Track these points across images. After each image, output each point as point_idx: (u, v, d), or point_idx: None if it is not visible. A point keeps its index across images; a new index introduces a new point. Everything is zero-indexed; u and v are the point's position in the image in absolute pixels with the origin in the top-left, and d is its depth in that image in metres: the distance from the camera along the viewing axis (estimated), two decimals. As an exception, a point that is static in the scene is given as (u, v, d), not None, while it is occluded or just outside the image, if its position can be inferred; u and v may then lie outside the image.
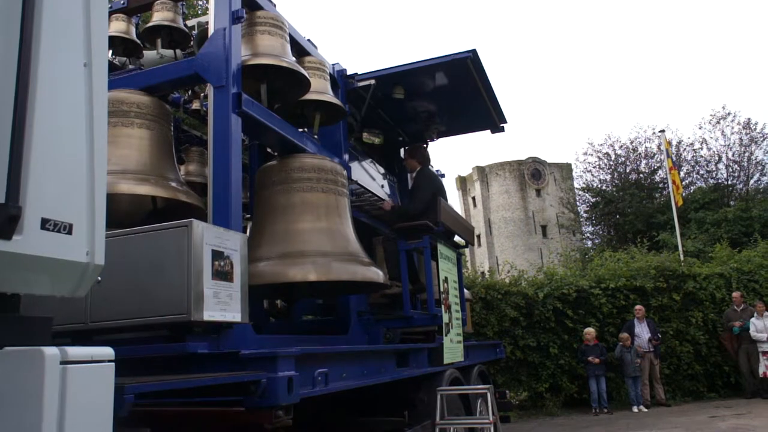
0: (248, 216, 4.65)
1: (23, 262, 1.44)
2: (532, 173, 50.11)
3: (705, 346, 10.57)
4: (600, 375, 9.83)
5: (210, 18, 3.71)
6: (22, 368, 1.40)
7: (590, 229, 27.42)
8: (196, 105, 5.16)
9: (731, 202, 22.40)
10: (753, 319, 9.86)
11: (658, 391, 10.08)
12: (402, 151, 6.97)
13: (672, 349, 10.52)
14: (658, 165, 24.17)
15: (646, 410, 9.64)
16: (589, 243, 26.91)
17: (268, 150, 4.90)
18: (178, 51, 4.67)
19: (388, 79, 5.42)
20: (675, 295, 10.68)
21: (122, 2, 4.50)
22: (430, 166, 5.96)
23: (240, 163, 3.53)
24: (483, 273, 13.77)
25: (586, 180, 26.93)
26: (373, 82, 5.25)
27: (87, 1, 1.66)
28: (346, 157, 4.94)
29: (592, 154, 26.57)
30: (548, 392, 10.42)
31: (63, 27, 1.60)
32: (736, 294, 10.39)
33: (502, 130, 6.89)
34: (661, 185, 23.85)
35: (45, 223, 1.47)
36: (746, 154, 24.31)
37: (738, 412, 8.70)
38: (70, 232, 1.54)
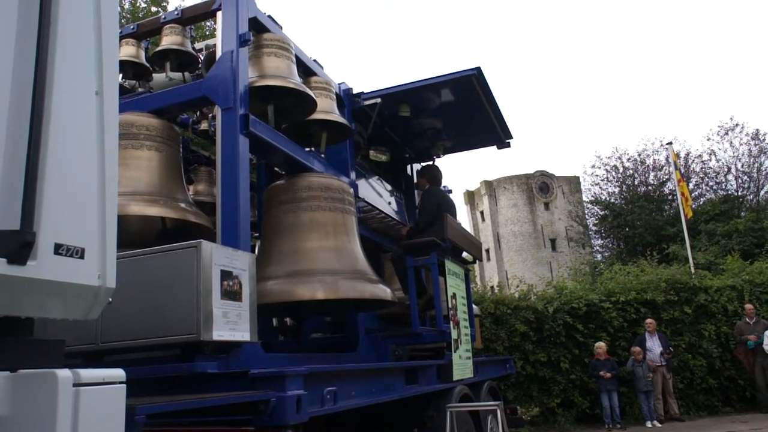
0: (256, 235, 4.69)
1: (37, 287, 1.48)
2: (540, 187, 49.97)
3: (718, 360, 10.45)
4: (612, 390, 9.73)
5: (217, 41, 3.79)
6: (35, 391, 1.43)
7: (599, 242, 27.31)
8: (204, 126, 5.24)
9: (742, 214, 22.23)
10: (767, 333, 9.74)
11: (671, 405, 9.95)
12: (409, 168, 7.03)
13: (685, 363, 10.40)
14: (666, 177, 24.11)
15: (660, 425, 9.52)
16: (599, 256, 26.77)
17: (276, 169, 4.95)
18: (186, 74, 4.75)
19: (394, 97, 5.48)
20: (686, 308, 10.58)
21: (132, 27, 4.59)
22: (442, 186, 6.05)
23: (248, 183, 3.57)
24: (492, 288, 13.72)
25: (595, 193, 26.91)
26: (378, 100, 5.30)
27: (99, 33, 1.72)
28: (353, 175, 4.98)
29: (600, 167, 26.59)
30: (560, 408, 10.31)
31: (76, 57, 1.65)
32: (748, 306, 10.26)
33: (508, 145, 6.93)
34: (670, 197, 23.75)
35: (58, 248, 1.51)
36: (756, 165, 24.22)
37: (754, 427, 8.57)
38: (82, 257, 1.57)
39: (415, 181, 6.94)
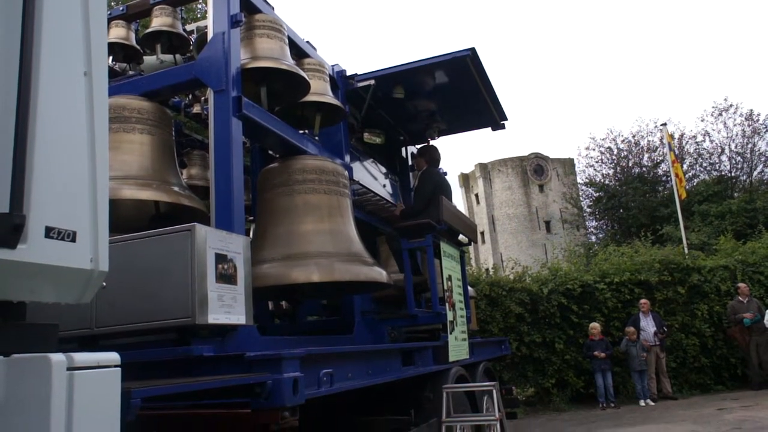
0: (251, 218, 4.67)
1: (28, 271, 1.46)
2: (534, 169, 49.97)
3: (711, 339, 10.56)
4: (606, 369, 9.83)
5: (209, 22, 3.72)
6: (29, 375, 1.42)
7: (594, 223, 27.39)
8: (196, 109, 5.18)
9: (735, 194, 22.34)
10: None
11: (664, 384, 10.07)
12: (403, 150, 6.99)
13: (678, 342, 10.51)
14: (660, 158, 24.16)
15: (653, 404, 9.64)
16: (593, 238, 26.87)
17: (270, 152, 4.91)
18: (177, 56, 4.68)
19: (388, 79, 5.42)
20: (680, 289, 10.66)
21: (121, 9, 4.51)
22: (439, 168, 6.02)
23: (242, 165, 3.54)
24: (487, 270, 13.76)
25: (589, 175, 26.94)
26: (372, 82, 5.25)
27: (86, 12, 1.68)
28: (348, 157, 4.95)
29: (594, 149, 26.60)
30: (555, 388, 10.42)
31: (63, 37, 1.62)
32: (743, 285, 10.34)
33: (502, 127, 6.89)
34: (664, 178, 23.83)
35: (49, 232, 1.49)
36: (749, 146, 24.30)
37: (745, 404, 8.69)
38: (73, 240, 1.55)
39: (411, 162, 6.91)
